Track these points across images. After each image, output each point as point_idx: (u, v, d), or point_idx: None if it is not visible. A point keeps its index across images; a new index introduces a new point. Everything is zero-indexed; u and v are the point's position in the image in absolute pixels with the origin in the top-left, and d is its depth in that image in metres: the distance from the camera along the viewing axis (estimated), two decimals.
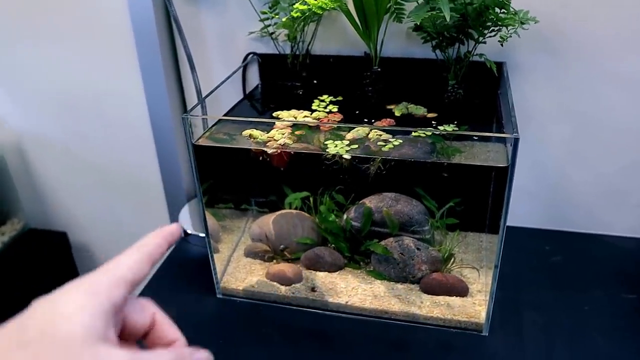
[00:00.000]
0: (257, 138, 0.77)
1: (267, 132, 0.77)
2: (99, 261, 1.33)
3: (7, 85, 1.14)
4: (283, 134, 0.76)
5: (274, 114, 0.83)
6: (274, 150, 0.77)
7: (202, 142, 0.76)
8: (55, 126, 1.15)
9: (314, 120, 0.80)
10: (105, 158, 1.16)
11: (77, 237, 1.29)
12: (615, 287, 0.86)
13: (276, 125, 0.79)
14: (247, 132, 0.77)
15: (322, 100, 0.86)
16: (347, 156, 0.75)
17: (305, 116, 0.82)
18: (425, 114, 0.81)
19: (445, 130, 0.75)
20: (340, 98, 0.87)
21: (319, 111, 0.83)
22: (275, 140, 0.76)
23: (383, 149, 0.73)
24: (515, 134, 0.63)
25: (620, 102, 0.87)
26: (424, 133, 0.74)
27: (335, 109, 0.84)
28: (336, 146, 0.73)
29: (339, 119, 0.81)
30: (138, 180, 1.16)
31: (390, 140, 0.74)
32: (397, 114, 0.82)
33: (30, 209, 1.27)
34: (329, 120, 0.81)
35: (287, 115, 0.82)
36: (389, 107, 0.84)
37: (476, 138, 0.75)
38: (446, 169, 0.78)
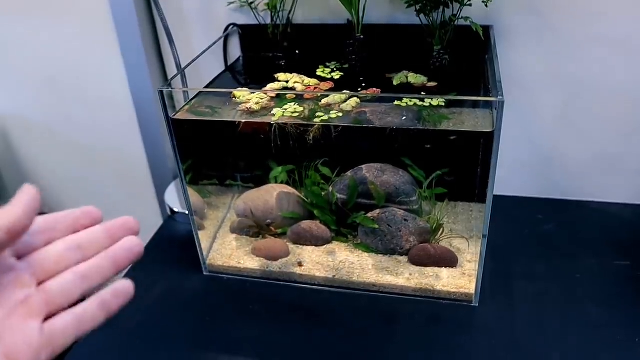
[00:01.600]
0: (238, 98, 0.75)
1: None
2: None
3: None
4: (261, 99, 0.74)
5: (275, 76, 0.81)
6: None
7: (181, 115, 0.74)
8: (36, 107, 1.13)
9: (289, 91, 0.78)
10: (89, 138, 1.14)
11: None
12: (608, 255, 0.84)
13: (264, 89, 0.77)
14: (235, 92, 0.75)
15: (327, 66, 0.84)
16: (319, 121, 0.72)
17: (296, 82, 0.79)
18: (425, 82, 0.78)
19: (429, 99, 0.73)
20: (346, 66, 0.85)
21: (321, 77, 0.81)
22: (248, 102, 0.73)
23: (322, 118, 0.70)
24: (500, 97, 0.61)
25: (612, 65, 0.84)
26: (407, 102, 0.71)
27: (338, 76, 0.81)
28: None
29: (329, 87, 0.78)
30: (123, 159, 1.14)
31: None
32: (395, 83, 0.79)
33: (15, 191, 1.25)
34: (315, 88, 0.78)
35: (286, 78, 0.80)
36: (388, 75, 0.81)
37: (463, 102, 0.72)
38: (433, 138, 0.76)
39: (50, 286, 0.34)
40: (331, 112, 0.71)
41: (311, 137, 0.74)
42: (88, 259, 0.37)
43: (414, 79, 0.79)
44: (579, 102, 0.88)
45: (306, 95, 0.75)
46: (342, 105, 0.72)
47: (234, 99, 0.75)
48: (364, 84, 0.80)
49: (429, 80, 0.78)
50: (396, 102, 0.71)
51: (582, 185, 0.96)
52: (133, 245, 0.38)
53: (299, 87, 0.78)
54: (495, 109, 0.62)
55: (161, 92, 0.70)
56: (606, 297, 0.77)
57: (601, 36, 0.82)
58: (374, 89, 0.77)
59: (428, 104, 0.70)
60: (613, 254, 0.84)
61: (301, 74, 0.81)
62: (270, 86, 0.79)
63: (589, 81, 0.86)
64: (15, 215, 0.32)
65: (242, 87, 0.87)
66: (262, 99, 0.74)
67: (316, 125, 0.73)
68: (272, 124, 0.74)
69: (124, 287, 0.37)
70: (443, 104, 0.71)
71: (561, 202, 0.97)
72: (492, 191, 0.68)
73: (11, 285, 0.33)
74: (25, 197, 0.34)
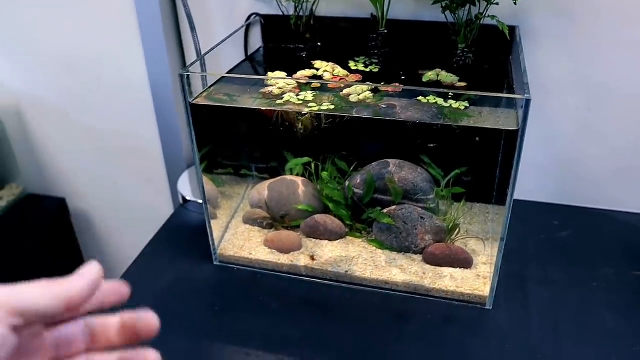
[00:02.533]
0: (270, 80, 0.75)
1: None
2: (98, 227, 1.31)
3: (4, 48, 1.11)
4: (288, 84, 0.73)
5: (312, 62, 0.81)
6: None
7: (200, 101, 0.73)
8: (53, 89, 1.13)
9: (315, 80, 0.77)
10: (104, 123, 1.13)
11: (75, 203, 1.27)
12: (625, 264, 0.83)
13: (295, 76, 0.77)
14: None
15: (357, 61, 0.83)
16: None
17: (326, 70, 0.78)
18: (455, 82, 0.76)
19: (451, 100, 0.71)
20: (375, 61, 0.84)
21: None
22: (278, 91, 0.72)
23: (314, 108, 0.69)
24: (527, 95, 0.60)
25: (637, 72, 0.83)
26: (429, 99, 0.70)
27: (370, 69, 0.80)
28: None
29: (356, 79, 0.77)
30: (138, 145, 1.14)
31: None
32: (424, 79, 0.77)
33: (28, 174, 1.25)
34: (341, 79, 0.77)
35: (321, 66, 0.80)
36: (421, 72, 0.80)
37: (485, 102, 0.71)
38: (453, 136, 0.75)
39: None
40: (323, 103, 0.70)
41: (302, 126, 0.73)
42: (97, 349, 0.36)
43: (445, 77, 0.77)
44: (603, 108, 0.87)
45: (330, 85, 0.74)
46: (351, 96, 0.71)
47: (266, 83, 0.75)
48: (397, 79, 0.78)
49: (459, 81, 0.77)
50: (419, 98, 0.70)
51: (601, 193, 0.94)
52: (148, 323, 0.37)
53: (327, 75, 0.77)
54: (521, 107, 0.61)
55: (181, 76, 0.69)
56: (623, 307, 0.75)
57: (631, 41, 0.81)
58: (396, 84, 0.76)
59: (449, 105, 0.69)
60: (631, 264, 0.83)
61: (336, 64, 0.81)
62: (300, 73, 0.78)
63: (614, 87, 0.85)
64: (77, 289, 0.32)
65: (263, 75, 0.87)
66: (289, 84, 0.73)
67: (308, 114, 0.71)
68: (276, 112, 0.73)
69: None
70: (463, 108, 0.69)
71: (579, 209, 0.96)
72: (513, 192, 0.66)
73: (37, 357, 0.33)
74: (90, 272, 0.33)
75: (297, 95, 0.71)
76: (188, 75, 0.70)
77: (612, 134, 0.89)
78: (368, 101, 0.71)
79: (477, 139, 0.72)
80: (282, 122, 0.80)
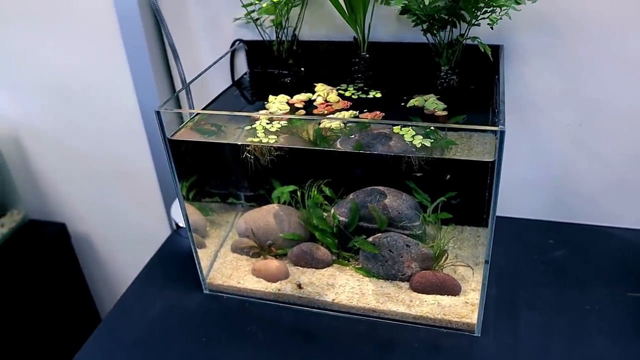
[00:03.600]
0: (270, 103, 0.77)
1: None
2: (98, 250, 1.33)
3: (0, 77, 1.12)
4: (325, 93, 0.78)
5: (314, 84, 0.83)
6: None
7: (181, 135, 0.73)
8: (48, 117, 1.14)
9: (289, 116, 0.77)
10: (99, 149, 1.14)
11: (76, 228, 1.29)
12: (620, 284, 0.81)
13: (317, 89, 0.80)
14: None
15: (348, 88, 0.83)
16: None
17: (319, 95, 0.80)
18: (437, 110, 0.75)
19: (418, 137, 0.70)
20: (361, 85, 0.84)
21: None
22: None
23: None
24: (501, 127, 0.58)
25: (627, 86, 0.81)
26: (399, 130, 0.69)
27: (378, 95, 0.81)
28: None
29: (344, 106, 0.77)
30: (132, 169, 1.15)
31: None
32: (408, 105, 0.77)
33: (29, 200, 1.27)
34: (327, 106, 0.77)
35: (322, 89, 0.81)
36: (413, 97, 0.78)
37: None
38: (438, 163, 0.73)
39: None
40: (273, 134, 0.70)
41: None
42: None
43: (430, 104, 0.76)
44: (595, 123, 0.85)
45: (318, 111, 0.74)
46: (327, 124, 0.71)
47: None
48: (386, 105, 0.78)
49: (444, 109, 0.75)
50: (394, 129, 0.69)
51: (596, 210, 0.92)
52: None
53: (319, 100, 0.79)
54: (497, 137, 0.60)
55: (158, 113, 0.69)
56: (617, 331, 0.73)
57: (617, 56, 0.79)
58: (377, 112, 0.75)
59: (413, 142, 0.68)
60: (627, 284, 0.81)
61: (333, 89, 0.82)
62: (296, 97, 0.80)
63: (604, 102, 0.83)
64: None
65: (247, 104, 0.87)
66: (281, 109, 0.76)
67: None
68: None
69: None
70: (428, 144, 0.68)
71: (574, 226, 0.94)
72: (494, 217, 0.65)
73: None
74: None
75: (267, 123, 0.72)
76: (165, 112, 0.70)
77: (604, 148, 0.87)
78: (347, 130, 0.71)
79: (448, 176, 0.71)
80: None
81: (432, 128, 0.69)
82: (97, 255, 1.33)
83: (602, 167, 0.88)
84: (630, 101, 0.82)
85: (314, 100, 0.80)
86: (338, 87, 0.82)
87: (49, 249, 1.23)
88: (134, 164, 1.13)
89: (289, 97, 0.81)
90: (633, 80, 0.80)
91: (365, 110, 0.76)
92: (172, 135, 0.72)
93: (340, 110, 0.76)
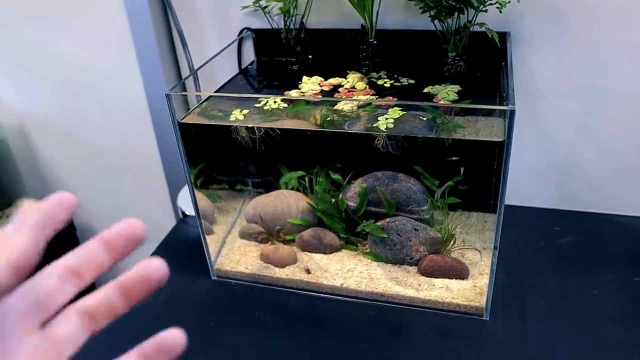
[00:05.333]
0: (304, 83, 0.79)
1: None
2: None
3: (8, 69, 1.13)
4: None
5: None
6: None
7: (189, 119, 0.74)
8: (56, 108, 1.14)
9: (303, 97, 0.77)
10: (105, 139, 1.15)
11: (81, 218, 1.29)
12: (627, 270, 0.81)
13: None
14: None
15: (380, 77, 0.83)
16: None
17: (346, 82, 0.80)
18: (442, 99, 0.74)
19: (438, 104, 0.71)
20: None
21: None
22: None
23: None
24: (512, 106, 0.59)
25: (633, 74, 0.81)
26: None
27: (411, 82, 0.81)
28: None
29: (367, 94, 0.77)
30: (138, 160, 1.15)
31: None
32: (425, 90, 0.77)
33: (34, 191, 1.27)
34: (349, 91, 0.78)
35: (353, 77, 0.81)
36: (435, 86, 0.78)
37: (478, 111, 0.70)
38: (446, 147, 0.74)
39: (57, 333, 0.28)
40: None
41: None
42: (87, 284, 0.30)
43: (442, 94, 0.75)
44: (600, 110, 0.85)
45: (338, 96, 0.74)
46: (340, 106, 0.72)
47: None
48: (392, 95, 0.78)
49: (454, 102, 0.74)
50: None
51: (602, 197, 0.93)
52: (152, 270, 0.31)
53: (347, 86, 0.80)
54: (506, 118, 0.60)
55: (168, 96, 0.70)
56: (623, 316, 0.73)
57: (623, 43, 0.79)
58: (390, 97, 0.76)
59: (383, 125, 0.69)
60: (633, 270, 0.81)
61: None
62: (328, 81, 0.81)
63: (610, 89, 0.83)
64: (20, 248, 0.26)
65: (255, 91, 0.87)
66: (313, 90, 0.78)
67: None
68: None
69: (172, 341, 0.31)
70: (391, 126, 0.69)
71: (580, 214, 0.94)
72: (503, 202, 0.66)
73: (16, 334, 0.26)
74: (32, 218, 0.28)
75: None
76: (176, 95, 0.71)
77: (610, 136, 0.87)
78: (362, 114, 0.71)
79: (456, 158, 0.72)
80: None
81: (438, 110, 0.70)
82: None
83: (608, 154, 0.89)
84: (636, 89, 0.82)
85: (343, 85, 0.80)
86: (370, 76, 0.82)
87: (53, 240, 1.23)
88: (139, 154, 1.13)
89: (322, 79, 0.82)
90: (637, 68, 0.81)
91: (376, 96, 0.76)
92: (182, 119, 0.72)
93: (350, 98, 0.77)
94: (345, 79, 0.82)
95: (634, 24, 0.78)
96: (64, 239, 1.22)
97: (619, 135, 0.87)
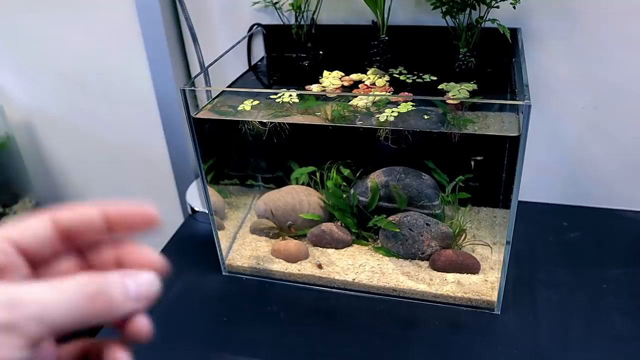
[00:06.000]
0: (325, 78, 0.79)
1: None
2: None
3: (14, 64, 1.13)
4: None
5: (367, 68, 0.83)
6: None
7: (202, 115, 0.74)
8: (63, 104, 1.14)
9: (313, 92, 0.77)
10: (113, 135, 1.15)
11: None
12: (635, 265, 0.82)
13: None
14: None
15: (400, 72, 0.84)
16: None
17: (368, 78, 0.80)
18: (453, 96, 0.74)
19: (452, 98, 0.72)
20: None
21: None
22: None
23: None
24: (527, 101, 0.59)
25: None
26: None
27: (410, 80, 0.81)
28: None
29: (385, 91, 0.77)
30: (146, 156, 1.15)
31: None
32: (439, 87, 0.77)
33: (41, 188, 1.27)
34: (368, 88, 0.78)
35: (373, 73, 0.81)
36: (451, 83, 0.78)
37: (490, 107, 0.71)
38: (457, 142, 0.74)
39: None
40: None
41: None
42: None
43: (454, 91, 0.75)
44: (610, 106, 0.86)
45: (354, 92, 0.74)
46: (355, 102, 0.72)
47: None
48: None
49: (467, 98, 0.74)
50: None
51: (611, 192, 0.93)
52: (141, 208, 0.31)
53: (367, 82, 0.79)
54: (522, 112, 0.61)
55: (183, 91, 0.70)
56: (634, 309, 0.74)
57: (634, 39, 0.80)
58: (406, 92, 0.76)
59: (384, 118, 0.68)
60: None
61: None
62: (350, 77, 0.82)
63: (620, 85, 0.84)
64: (30, 231, 0.28)
65: (266, 88, 0.87)
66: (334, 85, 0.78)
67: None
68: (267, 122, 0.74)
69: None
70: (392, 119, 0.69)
71: (588, 209, 0.95)
72: (517, 196, 0.66)
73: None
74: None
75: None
76: (191, 90, 0.71)
77: (619, 131, 0.88)
78: (373, 109, 0.71)
79: (479, 158, 0.73)
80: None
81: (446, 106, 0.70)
82: None
83: (616, 150, 0.89)
84: None
85: (363, 81, 0.80)
86: (391, 72, 0.83)
87: None
88: (147, 150, 1.14)
89: (343, 74, 0.82)
90: None
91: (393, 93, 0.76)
92: (195, 114, 0.72)
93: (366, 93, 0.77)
94: (366, 75, 0.82)
95: None
96: None
97: (628, 131, 0.87)
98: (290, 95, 0.72)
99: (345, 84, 0.80)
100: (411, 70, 0.83)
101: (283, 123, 0.74)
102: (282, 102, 0.72)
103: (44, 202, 1.28)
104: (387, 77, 0.80)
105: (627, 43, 0.81)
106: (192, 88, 0.71)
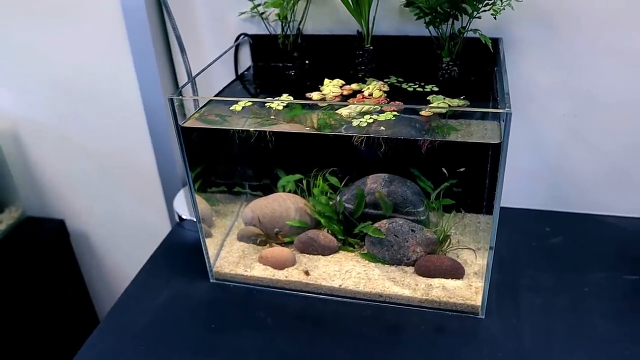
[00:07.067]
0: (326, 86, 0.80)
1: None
2: (96, 247, 1.32)
3: (0, 71, 1.12)
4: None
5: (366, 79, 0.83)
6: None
7: (190, 124, 0.75)
8: (49, 111, 1.14)
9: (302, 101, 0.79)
10: (100, 143, 1.15)
11: (75, 224, 1.29)
12: (616, 269, 0.84)
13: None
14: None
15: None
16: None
17: (367, 88, 0.80)
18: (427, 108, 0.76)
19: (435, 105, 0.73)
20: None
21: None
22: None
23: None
24: (508, 109, 0.61)
25: (622, 78, 0.84)
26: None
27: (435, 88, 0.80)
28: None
29: (378, 102, 0.78)
30: (133, 165, 1.15)
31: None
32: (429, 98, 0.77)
33: (27, 196, 1.26)
34: (363, 98, 0.79)
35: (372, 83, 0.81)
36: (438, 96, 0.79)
37: (472, 114, 0.72)
38: (441, 149, 0.76)
39: None
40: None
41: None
42: None
43: (436, 100, 0.76)
44: (589, 113, 0.88)
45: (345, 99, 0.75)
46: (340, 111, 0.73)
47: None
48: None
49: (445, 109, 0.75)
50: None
51: (591, 198, 0.96)
52: None
53: (366, 92, 0.79)
54: (503, 120, 0.62)
55: (171, 100, 0.70)
56: (615, 311, 0.76)
57: (611, 48, 0.82)
58: (398, 102, 0.77)
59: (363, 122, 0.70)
60: (622, 268, 0.84)
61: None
62: (350, 86, 0.82)
63: (599, 93, 0.86)
64: None
65: (253, 96, 0.88)
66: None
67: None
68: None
69: None
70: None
71: (569, 215, 0.97)
72: (499, 202, 0.68)
73: None
74: None
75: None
76: (179, 99, 0.71)
77: (599, 139, 0.90)
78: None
79: (463, 169, 0.74)
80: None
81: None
82: (95, 251, 1.33)
83: (597, 156, 0.91)
84: (622, 92, 0.85)
85: (362, 91, 0.80)
86: (398, 81, 0.83)
87: (46, 247, 1.23)
88: (134, 159, 1.14)
89: (343, 82, 0.83)
90: (625, 72, 0.84)
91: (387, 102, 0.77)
92: (183, 123, 0.73)
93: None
94: (366, 84, 0.82)
95: (619, 30, 0.81)
96: (57, 245, 1.22)
97: (607, 138, 0.90)
98: (282, 102, 0.73)
99: (345, 92, 0.81)
100: (417, 81, 0.83)
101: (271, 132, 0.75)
102: (271, 107, 0.73)
103: (30, 211, 1.28)
104: (386, 87, 0.81)
105: (604, 52, 0.83)
106: (180, 97, 0.71)
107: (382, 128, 0.70)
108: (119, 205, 1.23)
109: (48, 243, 1.23)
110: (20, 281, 1.16)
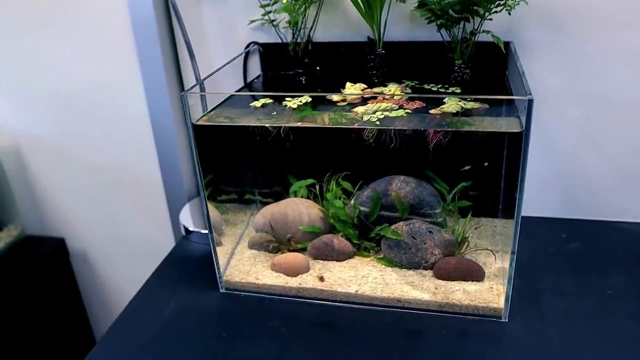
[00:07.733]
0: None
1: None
2: (96, 266, 1.28)
3: (2, 86, 1.11)
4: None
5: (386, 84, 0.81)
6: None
7: (203, 122, 0.73)
8: (52, 127, 1.13)
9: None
10: (104, 157, 1.13)
11: (75, 243, 1.25)
12: (636, 271, 0.82)
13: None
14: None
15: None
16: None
17: (389, 90, 0.79)
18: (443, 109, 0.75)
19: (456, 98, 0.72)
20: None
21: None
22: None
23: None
24: (530, 96, 0.60)
25: (632, 81, 0.84)
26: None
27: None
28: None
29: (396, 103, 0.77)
30: (138, 180, 1.13)
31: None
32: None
33: (27, 215, 1.23)
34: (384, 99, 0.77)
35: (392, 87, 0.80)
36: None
37: (488, 112, 0.72)
38: (456, 149, 0.74)
39: None
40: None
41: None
42: None
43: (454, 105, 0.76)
44: (602, 117, 0.88)
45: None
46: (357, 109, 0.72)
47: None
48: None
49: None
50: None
51: (606, 204, 0.94)
52: None
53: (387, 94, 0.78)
54: (525, 107, 0.62)
55: (183, 97, 0.69)
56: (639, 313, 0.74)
57: (624, 50, 0.83)
58: (419, 101, 0.76)
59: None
60: None
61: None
62: (371, 90, 0.81)
63: (611, 96, 0.86)
64: None
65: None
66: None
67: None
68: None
69: None
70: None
71: (584, 221, 0.95)
72: (522, 203, 0.66)
73: None
74: None
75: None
76: (191, 96, 0.70)
77: (612, 143, 0.90)
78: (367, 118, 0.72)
79: (468, 167, 0.73)
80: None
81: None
82: (95, 271, 1.29)
83: (610, 161, 0.91)
84: (634, 94, 0.85)
85: (383, 93, 0.79)
86: (425, 84, 0.82)
87: (45, 266, 1.19)
88: (138, 172, 1.12)
89: (365, 86, 0.81)
90: (638, 74, 0.84)
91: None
92: (196, 121, 0.72)
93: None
94: (387, 87, 0.81)
95: (631, 31, 0.81)
96: (56, 264, 1.18)
97: (620, 142, 0.89)
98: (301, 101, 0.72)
99: (366, 95, 0.80)
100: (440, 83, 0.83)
101: (283, 132, 0.74)
102: (287, 106, 0.72)
103: (30, 229, 1.24)
104: (408, 90, 0.80)
105: (616, 54, 0.83)
106: (195, 92, 0.70)
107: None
108: (121, 221, 1.20)
109: (47, 263, 1.20)
110: (18, 301, 1.12)
